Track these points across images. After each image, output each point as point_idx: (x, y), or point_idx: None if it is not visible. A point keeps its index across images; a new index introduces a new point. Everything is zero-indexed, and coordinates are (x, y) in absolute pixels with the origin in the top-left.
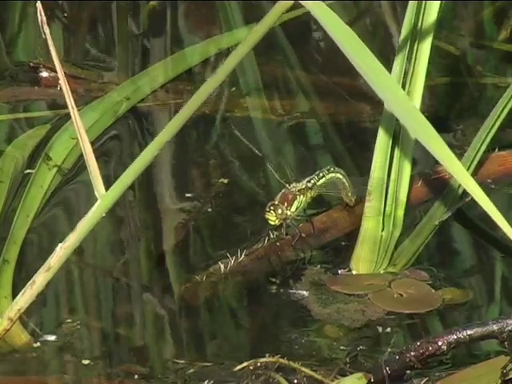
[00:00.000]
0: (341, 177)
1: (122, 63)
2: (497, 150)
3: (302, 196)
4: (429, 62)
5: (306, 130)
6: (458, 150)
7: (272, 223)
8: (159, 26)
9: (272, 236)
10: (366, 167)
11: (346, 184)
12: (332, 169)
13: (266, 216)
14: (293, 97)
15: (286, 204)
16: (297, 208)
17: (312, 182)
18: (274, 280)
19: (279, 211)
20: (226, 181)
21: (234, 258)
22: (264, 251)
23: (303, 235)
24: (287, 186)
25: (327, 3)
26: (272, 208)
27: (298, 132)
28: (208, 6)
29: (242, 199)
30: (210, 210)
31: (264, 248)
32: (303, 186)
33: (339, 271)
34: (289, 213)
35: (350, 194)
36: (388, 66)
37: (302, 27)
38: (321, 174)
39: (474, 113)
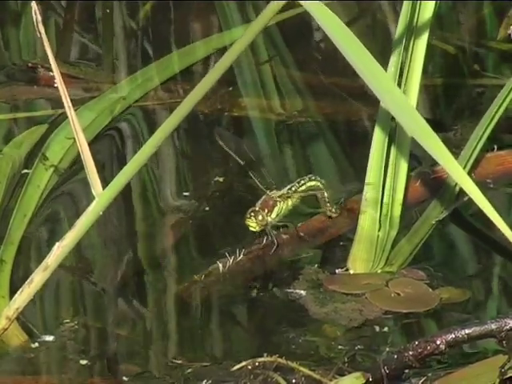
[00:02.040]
0: (320, 186)
1: (120, 62)
2: (495, 149)
3: (282, 203)
4: (425, 61)
5: (303, 130)
6: (456, 149)
7: (252, 229)
8: (157, 26)
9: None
10: (363, 166)
11: (325, 194)
12: (313, 177)
13: (247, 222)
14: (291, 96)
15: (266, 210)
16: (277, 214)
17: (293, 189)
18: (271, 279)
19: (260, 217)
20: (221, 179)
21: (233, 257)
22: (262, 251)
23: (276, 247)
24: (268, 192)
25: (326, 2)
26: (252, 214)
27: (295, 131)
28: (206, 5)
29: (239, 198)
30: (207, 208)
31: (262, 248)
32: (284, 193)
33: (336, 270)
34: (269, 219)
35: (329, 205)
36: (387, 65)
37: (300, 26)
38: (302, 182)
39: (472, 112)
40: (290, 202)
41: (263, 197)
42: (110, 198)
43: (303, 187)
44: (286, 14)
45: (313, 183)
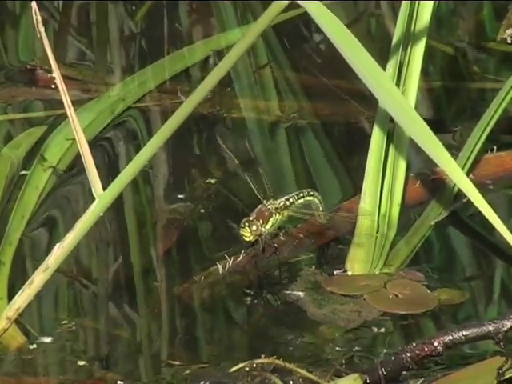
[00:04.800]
0: (318, 202)
1: (117, 64)
2: (495, 150)
3: (278, 214)
4: (423, 62)
5: (301, 131)
6: (456, 151)
7: (246, 239)
8: (155, 27)
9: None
10: (362, 167)
11: (320, 209)
12: (312, 192)
13: (241, 232)
14: (289, 98)
15: (261, 221)
16: (272, 225)
17: (290, 200)
18: (269, 281)
19: (254, 228)
20: (216, 181)
21: (232, 258)
22: (262, 252)
23: (274, 251)
24: (265, 202)
25: (325, 3)
26: (247, 224)
27: (293, 133)
28: (204, 6)
29: (235, 200)
30: (202, 211)
31: (261, 249)
32: (281, 204)
33: (335, 272)
34: (264, 230)
35: (322, 217)
36: (386, 66)
37: (297, 28)
38: (301, 195)
39: (472, 113)
40: (285, 213)
41: (259, 206)
42: (110, 199)
43: (301, 200)
44: (284, 15)
45: (310, 198)
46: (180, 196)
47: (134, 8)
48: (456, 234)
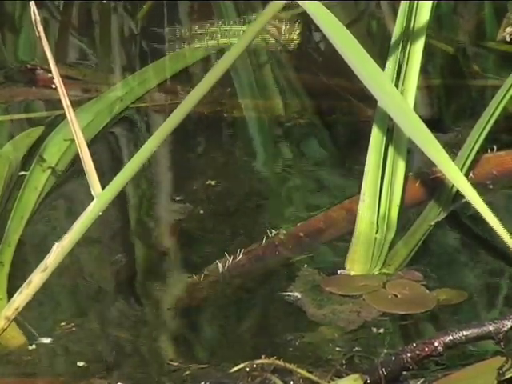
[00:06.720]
0: None
1: (118, 64)
2: (495, 150)
3: None
4: (422, 61)
5: (302, 130)
6: (456, 150)
7: None
8: (155, 26)
9: (270, 235)
10: (361, 167)
11: None
12: None
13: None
14: (290, 97)
15: None
16: None
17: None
18: (269, 281)
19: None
20: (213, 182)
21: (232, 258)
22: (262, 251)
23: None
24: None
25: (324, 3)
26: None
27: (293, 132)
28: (204, 5)
29: (233, 201)
30: (201, 211)
31: (261, 248)
32: None
33: (334, 272)
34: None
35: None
36: (385, 65)
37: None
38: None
39: (472, 113)
40: None
41: None
42: (109, 198)
43: None
44: (284, 15)
45: None
46: (179, 198)
47: (143, 7)
48: (455, 234)
